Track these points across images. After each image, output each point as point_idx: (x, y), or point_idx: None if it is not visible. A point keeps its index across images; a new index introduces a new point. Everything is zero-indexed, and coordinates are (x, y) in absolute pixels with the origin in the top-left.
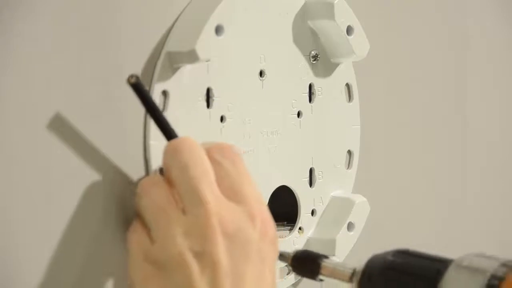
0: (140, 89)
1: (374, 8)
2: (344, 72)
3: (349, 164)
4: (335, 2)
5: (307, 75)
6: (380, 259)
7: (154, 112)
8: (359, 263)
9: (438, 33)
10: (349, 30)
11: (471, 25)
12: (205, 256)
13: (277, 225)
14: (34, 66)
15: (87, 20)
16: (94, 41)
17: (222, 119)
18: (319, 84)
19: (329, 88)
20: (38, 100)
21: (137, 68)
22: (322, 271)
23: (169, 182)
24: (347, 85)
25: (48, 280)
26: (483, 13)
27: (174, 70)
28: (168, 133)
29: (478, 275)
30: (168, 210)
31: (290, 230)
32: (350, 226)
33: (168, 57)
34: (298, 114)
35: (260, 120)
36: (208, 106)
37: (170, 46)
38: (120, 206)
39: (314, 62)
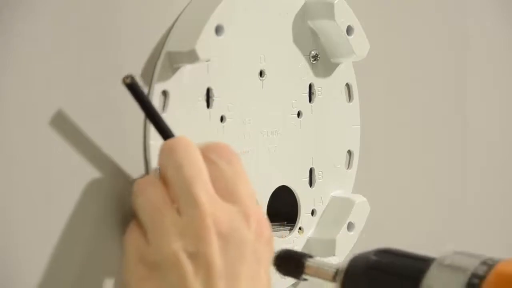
0: (135, 89)
1: (374, 8)
2: (344, 72)
3: (349, 164)
4: (335, 2)
5: (307, 75)
6: (362, 258)
7: (150, 112)
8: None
9: (438, 33)
10: (349, 30)
11: (471, 25)
12: (199, 257)
13: (277, 225)
14: (34, 66)
15: (87, 20)
16: (94, 41)
17: (222, 119)
18: (319, 84)
19: (329, 88)
20: (38, 100)
21: (137, 68)
22: (306, 270)
23: (165, 182)
24: (347, 85)
25: (48, 280)
26: (483, 13)
27: (174, 70)
28: (165, 132)
29: (459, 273)
30: (163, 211)
31: (290, 230)
32: (350, 226)
33: (168, 57)
34: (298, 114)
35: (260, 120)
36: (208, 106)
37: (170, 46)
38: (120, 206)
39: (314, 62)
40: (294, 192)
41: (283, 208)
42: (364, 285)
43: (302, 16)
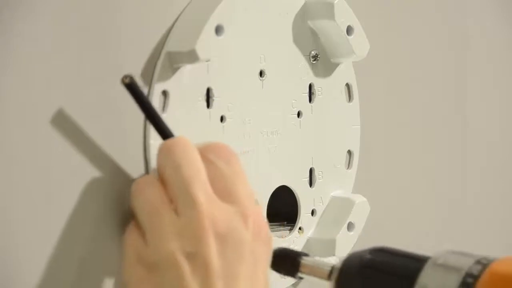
0: (134, 89)
1: (374, 8)
2: (344, 72)
3: (349, 164)
4: (335, 2)
5: (307, 75)
6: (357, 257)
7: (149, 112)
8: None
9: (438, 33)
10: (349, 30)
11: (471, 25)
12: (197, 258)
13: (277, 225)
14: (34, 66)
15: (87, 20)
16: (94, 41)
17: (222, 119)
18: (319, 84)
19: (329, 88)
20: (38, 100)
21: (137, 68)
22: (302, 269)
23: (163, 182)
24: (347, 85)
25: (48, 279)
26: (483, 13)
27: (174, 70)
28: (164, 132)
29: (454, 273)
30: (161, 211)
31: (290, 230)
32: (350, 226)
33: (168, 57)
34: (298, 114)
35: (260, 120)
36: (208, 106)
37: (170, 46)
38: (120, 206)
39: (314, 62)
40: (294, 192)
41: (283, 208)
42: (359, 284)
43: (302, 16)
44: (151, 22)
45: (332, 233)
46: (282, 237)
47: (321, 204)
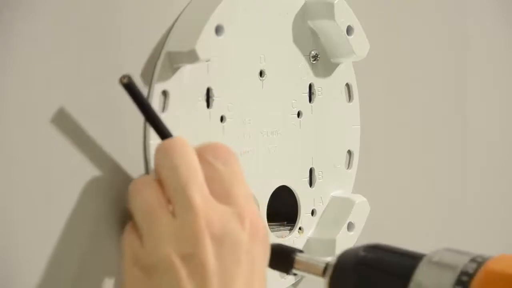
0: (132, 89)
1: (374, 8)
2: (344, 72)
3: (349, 164)
4: (335, 2)
5: (307, 75)
6: (351, 253)
7: (147, 112)
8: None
9: (438, 33)
10: (349, 30)
11: (471, 25)
12: (193, 260)
13: (277, 225)
14: (34, 66)
15: (87, 20)
16: (94, 41)
17: (222, 119)
18: (319, 84)
19: (329, 88)
20: (38, 100)
21: (137, 68)
22: (296, 265)
23: (161, 183)
24: (347, 85)
25: (48, 279)
26: (483, 13)
27: (174, 70)
28: (162, 132)
29: (449, 271)
30: (157, 212)
31: (290, 230)
32: (350, 226)
33: (168, 57)
34: (298, 114)
35: (260, 120)
36: (208, 106)
37: (170, 46)
38: (120, 206)
39: (314, 62)
40: (294, 192)
41: (283, 208)
42: (353, 280)
43: (302, 16)
44: (151, 22)
45: (332, 233)
46: (282, 237)
47: (321, 204)
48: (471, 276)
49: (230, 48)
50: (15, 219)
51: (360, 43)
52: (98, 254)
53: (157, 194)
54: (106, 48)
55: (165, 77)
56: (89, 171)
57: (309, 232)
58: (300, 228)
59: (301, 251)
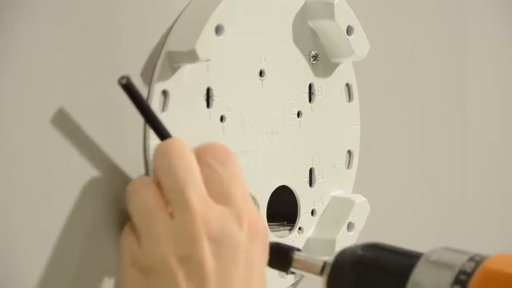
0: (131, 90)
1: (374, 8)
2: (344, 72)
3: (349, 164)
4: (335, 2)
5: (307, 75)
6: (350, 252)
7: (146, 113)
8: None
9: (438, 33)
10: (349, 30)
11: (471, 25)
12: (191, 261)
13: (277, 225)
14: (34, 66)
15: (87, 20)
16: (94, 41)
17: (222, 119)
18: (319, 84)
19: (329, 88)
20: (38, 100)
21: (137, 68)
22: (294, 264)
23: (159, 184)
24: (347, 85)
25: (48, 279)
26: (483, 13)
27: (174, 70)
28: (161, 133)
29: (447, 270)
30: (155, 213)
31: (290, 230)
32: (350, 226)
33: (168, 57)
34: (298, 114)
35: (260, 120)
36: (208, 106)
37: (170, 46)
38: (120, 206)
39: (314, 62)
40: (294, 192)
41: (283, 208)
42: (351, 279)
43: (302, 16)
44: (151, 22)
45: (332, 233)
46: (282, 237)
47: (321, 204)
48: (469, 275)
49: (230, 48)
50: (15, 219)
51: (360, 43)
52: (97, 255)
53: (155, 195)
54: (106, 48)
55: (165, 76)
56: (89, 171)
57: (309, 232)
58: (300, 228)
59: (298, 250)
